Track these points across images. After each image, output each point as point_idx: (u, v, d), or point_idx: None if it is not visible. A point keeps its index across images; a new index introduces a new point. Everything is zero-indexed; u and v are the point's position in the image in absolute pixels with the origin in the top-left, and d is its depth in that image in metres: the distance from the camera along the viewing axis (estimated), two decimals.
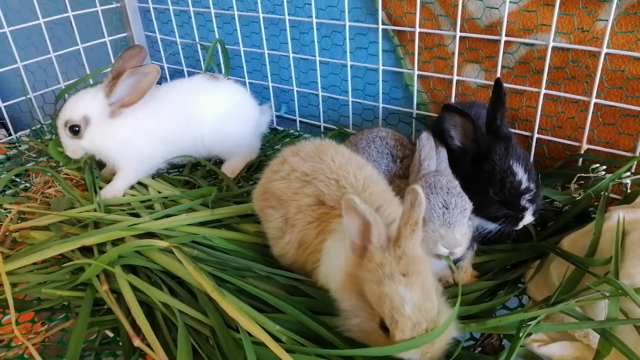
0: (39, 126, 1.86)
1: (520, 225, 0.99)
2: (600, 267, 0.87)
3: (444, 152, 1.00)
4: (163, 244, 0.99)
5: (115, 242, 1.07)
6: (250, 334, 0.80)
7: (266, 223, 0.96)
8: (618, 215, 0.91)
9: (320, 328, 0.81)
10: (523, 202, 0.97)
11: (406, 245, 0.72)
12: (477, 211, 0.99)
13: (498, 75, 1.30)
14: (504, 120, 1.03)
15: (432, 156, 0.97)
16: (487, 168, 0.98)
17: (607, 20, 1.11)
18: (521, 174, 0.97)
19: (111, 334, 0.96)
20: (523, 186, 0.97)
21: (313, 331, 0.82)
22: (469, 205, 0.90)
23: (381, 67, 1.51)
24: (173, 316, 0.90)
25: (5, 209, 1.28)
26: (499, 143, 1.00)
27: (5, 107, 1.78)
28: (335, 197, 0.87)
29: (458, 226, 0.87)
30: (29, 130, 1.84)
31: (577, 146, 1.26)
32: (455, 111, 0.99)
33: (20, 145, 1.77)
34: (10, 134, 1.84)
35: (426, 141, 0.99)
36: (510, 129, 1.23)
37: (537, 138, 1.32)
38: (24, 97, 1.80)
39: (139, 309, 0.90)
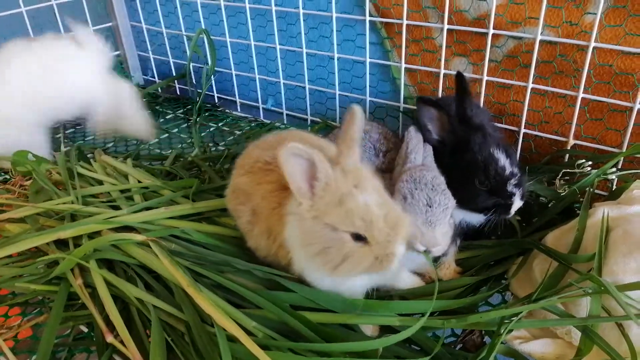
0: None
1: (512, 212, 0.97)
2: (583, 264, 0.85)
3: (429, 148, 0.99)
4: (139, 237, 0.97)
5: (92, 235, 1.05)
6: (225, 330, 0.78)
7: (238, 220, 0.94)
8: (602, 211, 0.90)
9: (297, 323, 0.80)
10: (510, 188, 0.95)
11: (346, 161, 0.76)
12: (465, 204, 0.98)
13: (485, 68, 1.29)
14: (474, 109, 1.03)
15: (419, 149, 0.96)
16: (468, 158, 0.96)
17: (595, 14, 1.10)
18: (503, 160, 0.95)
19: (86, 329, 0.94)
20: (507, 171, 0.95)
21: (291, 326, 0.81)
22: (451, 203, 0.88)
23: (368, 60, 1.49)
24: (148, 312, 0.87)
25: None
26: (475, 132, 0.99)
27: None
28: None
29: (439, 225, 0.85)
30: None
31: (564, 141, 1.25)
32: (428, 103, 0.98)
33: None
34: None
35: (414, 134, 0.98)
36: (494, 124, 1.22)
37: (524, 133, 1.31)
38: None
39: (113, 304, 0.88)
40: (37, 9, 1.78)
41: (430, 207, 0.85)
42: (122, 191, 1.22)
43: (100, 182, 1.28)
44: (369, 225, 0.73)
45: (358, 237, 0.74)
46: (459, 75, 1.03)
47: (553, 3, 1.17)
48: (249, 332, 0.79)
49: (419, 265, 0.97)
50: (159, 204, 1.14)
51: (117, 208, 1.15)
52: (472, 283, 0.98)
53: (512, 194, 0.95)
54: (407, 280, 0.96)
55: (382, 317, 0.83)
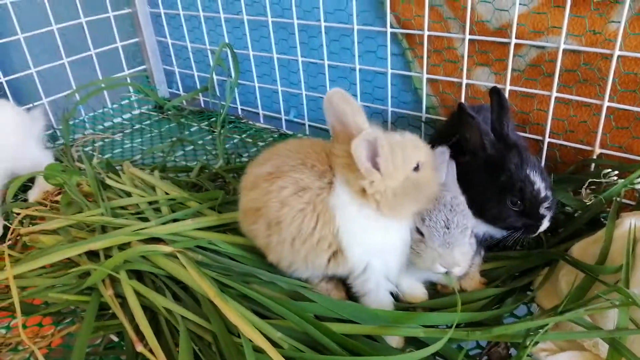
0: (51, 131, 1.89)
1: (538, 232, 0.97)
2: (610, 276, 0.84)
3: (452, 166, 0.97)
4: (167, 249, 1.00)
5: (122, 247, 1.08)
6: (252, 341, 0.79)
7: (255, 240, 0.94)
8: (630, 222, 0.89)
9: (321, 335, 0.81)
10: (542, 211, 0.95)
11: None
12: (493, 222, 0.98)
13: (508, 78, 1.28)
14: (510, 126, 1.01)
15: (442, 169, 0.95)
16: (504, 179, 0.95)
17: (619, 22, 1.09)
18: (539, 183, 0.94)
19: (116, 339, 0.97)
20: (542, 195, 0.94)
21: (315, 338, 0.82)
22: (470, 223, 0.88)
23: (390, 71, 1.50)
24: (176, 322, 0.90)
25: (16, 214, 1.30)
26: (511, 151, 0.97)
27: None
28: (313, 178, 0.86)
29: (458, 246, 0.85)
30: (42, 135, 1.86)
31: (589, 150, 1.24)
32: (469, 115, 0.97)
33: None
34: None
35: (439, 154, 0.97)
36: (518, 134, 1.21)
37: (548, 142, 1.29)
38: (37, 103, 1.82)
39: (142, 314, 0.90)
40: (67, 27, 1.84)
41: (448, 228, 0.85)
42: (149, 203, 1.25)
43: (129, 194, 1.32)
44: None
45: None
46: (496, 91, 1.00)
47: (576, 12, 1.16)
48: (274, 343, 0.80)
49: (431, 277, 0.97)
50: (186, 216, 1.17)
51: (145, 219, 1.18)
52: (497, 294, 0.97)
53: (543, 217, 0.95)
54: (405, 286, 0.97)
55: (406, 328, 0.84)
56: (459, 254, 0.85)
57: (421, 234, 0.87)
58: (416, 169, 0.85)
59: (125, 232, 1.10)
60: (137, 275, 1.02)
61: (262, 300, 0.88)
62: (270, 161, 0.92)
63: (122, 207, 1.27)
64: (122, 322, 0.91)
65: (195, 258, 1.00)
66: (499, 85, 1.30)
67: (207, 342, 0.87)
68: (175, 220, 1.15)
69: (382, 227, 0.86)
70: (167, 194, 1.28)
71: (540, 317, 0.84)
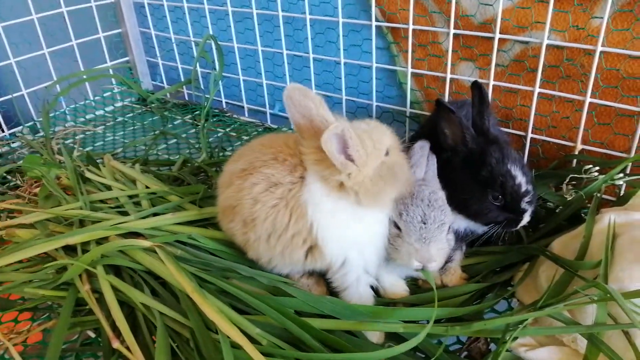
0: (31, 123, 1.85)
1: (519, 226, 0.97)
2: (589, 271, 0.85)
3: (433, 161, 0.97)
4: (146, 243, 0.98)
5: (100, 241, 1.06)
6: (229, 337, 0.78)
7: (233, 238, 0.93)
8: (609, 217, 0.89)
9: (300, 331, 0.80)
10: (523, 205, 0.95)
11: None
12: (474, 217, 0.98)
13: (492, 73, 1.28)
14: (492, 121, 1.01)
15: (421, 163, 0.94)
16: (485, 173, 0.94)
17: (602, 18, 1.09)
18: (520, 177, 0.94)
19: (93, 335, 0.95)
20: (523, 189, 0.94)
21: (294, 333, 0.81)
22: (448, 219, 0.87)
23: (375, 65, 1.49)
24: (154, 318, 0.88)
25: None
26: (492, 146, 0.96)
27: None
28: (284, 173, 0.85)
29: (434, 241, 0.85)
30: (21, 127, 1.83)
31: (571, 146, 1.24)
32: (447, 109, 0.97)
33: (13, 142, 1.76)
34: (3, 131, 1.83)
35: (418, 149, 0.96)
36: (500, 129, 1.21)
37: (531, 138, 1.30)
38: (16, 94, 1.78)
39: (119, 309, 0.89)
40: (48, 16, 1.80)
41: (424, 223, 0.84)
42: (130, 196, 1.23)
43: (109, 188, 1.30)
44: None
45: None
46: (478, 85, 0.99)
47: (560, 7, 1.16)
48: (253, 339, 0.79)
49: (413, 272, 0.97)
50: (166, 210, 1.15)
51: (125, 213, 1.16)
52: (478, 289, 0.97)
53: (525, 211, 0.95)
54: (387, 282, 0.97)
55: (386, 324, 0.83)
56: (435, 250, 0.84)
57: (398, 228, 0.87)
58: (386, 153, 0.85)
59: (103, 226, 1.08)
60: (116, 270, 1.01)
61: (241, 295, 0.87)
62: (244, 157, 0.91)
63: (102, 201, 1.25)
64: (99, 318, 0.89)
65: (174, 253, 0.98)
66: (482, 81, 1.30)
67: (185, 338, 0.86)
68: (155, 215, 1.13)
69: (359, 218, 0.85)
70: (147, 187, 1.26)
71: (520, 312, 0.84)
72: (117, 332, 0.87)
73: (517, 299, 0.97)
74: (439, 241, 0.85)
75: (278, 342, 0.81)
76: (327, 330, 0.82)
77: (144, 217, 1.12)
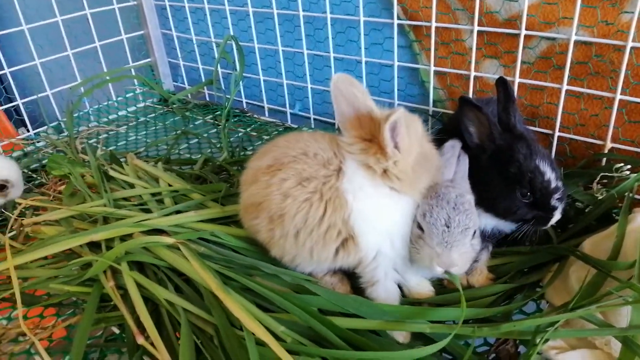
0: (56, 123, 1.88)
1: (549, 224, 0.95)
2: (623, 272, 0.82)
3: (464, 162, 0.95)
4: (169, 240, 0.98)
5: (124, 238, 1.06)
6: (254, 334, 0.78)
7: (257, 235, 0.92)
8: None
9: (325, 330, 0.79)
10: (553, 202, 0.92)
11: None
12: (502, 214, 0.96)
13: (517, 70, 1.26)
14: (518, 117, 0.99)
15: (450, 164, 0.92)
16: (513, 170, 0.92)
17: (632, 13, 1.06)
18: (549, 173, 0.91)
19: (117, 331, 0.96)
20: (552, 186, 0.91)
21: (318, 332, 0.80)
22: (473, 224, 0.84)
23: (396, 63, 1.47)
24: (178, 314, 0.88)
25: (18, 204, 1.29)
26: (519, 142, 0.94)
27: (23, 104, 1.81)
28: (317, 167, 0.85)
29: (457, 246, 0.82)
30: (46, 127, 1.86)
31: (600, 145, 1.21)
32: (472, 105, 0.95)
33: (38, 142, 1.79)
34: (28, 131, 1.87)
35: (449, 149, 0.94)
36: (526, 127, 1.19)
37: (558, 136, 1.27)
38: (41, 94, 1.81)
39: (143, 306, 0.88)
40: (72, 18, 1.83)
41: (448, 227, 0.82)
42: (152, 194, 1.24)
43: (132, 186, 1.31)
44: None
45: None
46: (503, 81, 0.97)
47: (588, 2, 1.14)
48: (277, 337, 0.78)
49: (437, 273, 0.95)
50: (189, 208, 1.15)
51: (148, 211, 1.17)
52: (505, 290, 0.95)
53: (555, 208, 0.92)
54: (412, 282, 0.96)
55: (412, 324, 0.82)
56: (457, 255, 0.82)
57: (421, 229, 0.85)
58: None
59: (127, 223, 1.08)
60: (139, 266, 1.01)
61: (265, 293, 0.86)
62: (269, 154, 0.91)
63: (125, 199, 1.26)
64: (123, 314, 0.90)
65: (197, 250, 0.98)
66: (508, 78, 1.28)
67: (208, 335, 0.86)
68: (178, 212, 1.14)
69: (398, 205, 0.86)
70: (170, 185, 1.27)
71: (550, 314, 0.82)
72: (142, 328, 0.87)
73: (547, 301, 0.94)
74: (462, 246, 0.82)
75: (302, 340, 0.80)
76: (351, 330, 0.81)
77: (166, 215, 1.13)
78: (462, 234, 0.83)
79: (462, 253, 0.83)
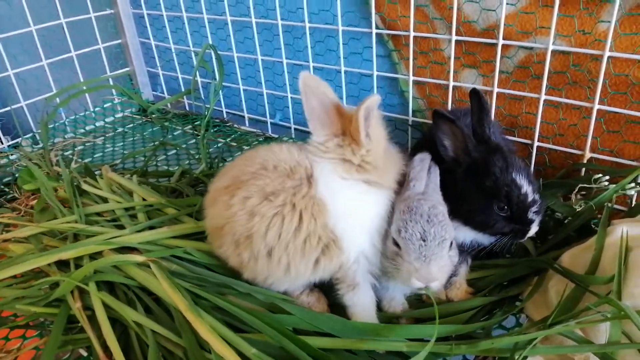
0: (31, 135, 1.83)
1: (526, 237, 0.93)
2: (602, 286, 0.81)
3: (435, 173, 0.93)
4: (140, 258, 0.95)
5: (94, 256, 1.03)
6: (223, 358, 0.75)
7: (227, 261, 0.90)
8: (621, 229, 0.86)
9: (299, 350, 0.76)
10: (530, 215, 0.91)
11: None
12: (480, 228, 0.94)
13: (496, 80, 1.25)
14: (493, 128, 0.97)
15: (421, 177, 0.90)
16: (489, 183, 0.90)
17: (609, 22, 1.06)
18: (525, 186, 0.90)
19: (85, 354, 0.92)
20: (529, 199, 0.90)
21: (292, 353, 0.77)
22: (449, 235, 0.83)
23: (376, 73, 1.46)
24: (146, 336, 0.85)
25: None
26: (495, 154, 0.92)
27: None
28: (280, 179, 0.83)
29: (435, 259, 0.80)
30: (20, 138, 1.81)
31: (579, 155, 1.20)
32: (445, 118, 0.93)
33: (11, 155, 1.74)
34: (2, 143, 1.82)
35: (418, 162, 0.92)
36: (505, 137, 1.18)
37: (537, 146, 1.26)
38: (15, 106, 1.77)
39: (110, 329, 0.85)
40: (47, 27, 1.79)
41: (424, 240, 0.80)
42: (126, 209, 1.21)
43: (106, 200, 1.27)
44: None
45: None
46: (476, 92, 0.96)
47: (565, 11, 1.13)
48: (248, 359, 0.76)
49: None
50: (162, 223, 1.12)
51: (121, 226, 1.14)
52: (485, 304, 0.94)
53: (532, 221, 0.91)
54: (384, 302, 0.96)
55: (389, 342, 0.80)
56: (436, 269, 0.80)
57: (398, 246, 0.83)
58: None
59: (97, 240, 1.05)
60: (109, 286, 0.97)
61: (237, 312, 0.83)
62: (228, 174, 0.89)
63: (98, 214, 1.23)
64: (90, 337, 0.86)
65: (169, 268, 0.95)
66: (486, 88, 1.27)
67: (178, 358, 0.82)
68: (151, 228, 1.10)
69: (375, 199, 0.87)
70: (144, 200, 1.23)
71: (530, 329, 0.80)
72: (109, 351, 0.83)
73: (526, 315, 0.93)
74: (440, 259, 0.80)
75: None
76: (326, 349, 0.79)
77: (139, 231, 1.09)
78: (439, 246, 0.81)
79: (441, 267, 0.81)
